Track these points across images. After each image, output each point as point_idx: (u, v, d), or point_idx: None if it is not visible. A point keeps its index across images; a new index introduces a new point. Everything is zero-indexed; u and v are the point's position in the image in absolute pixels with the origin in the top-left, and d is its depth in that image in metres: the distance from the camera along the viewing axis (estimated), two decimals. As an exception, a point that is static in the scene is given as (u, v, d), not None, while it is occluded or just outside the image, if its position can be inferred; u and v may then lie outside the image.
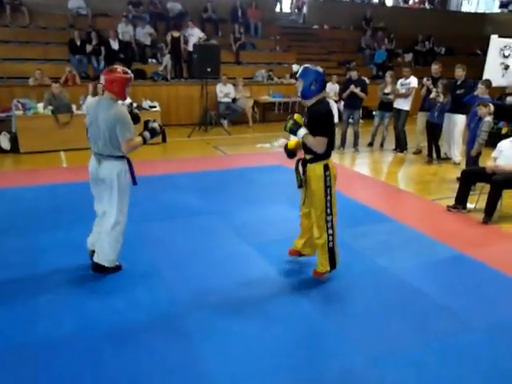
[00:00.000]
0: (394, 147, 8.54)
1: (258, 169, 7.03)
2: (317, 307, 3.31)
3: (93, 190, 3.62)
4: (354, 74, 8.37)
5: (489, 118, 5.79)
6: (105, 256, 3.57)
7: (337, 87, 10.50)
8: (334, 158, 7.97)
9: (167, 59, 10.88)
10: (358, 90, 8.19)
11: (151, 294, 3.41)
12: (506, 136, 6.21)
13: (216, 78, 10.06)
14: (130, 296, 3.38)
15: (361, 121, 10.45)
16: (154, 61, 11.16)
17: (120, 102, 3.44)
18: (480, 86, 6.61)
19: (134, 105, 8.27)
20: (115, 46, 10.49)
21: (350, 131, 8.55)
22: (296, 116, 3.52)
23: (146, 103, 8.80)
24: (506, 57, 8.37)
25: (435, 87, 7.32)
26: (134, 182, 3.58)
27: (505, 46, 8.32)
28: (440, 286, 3.69)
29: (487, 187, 5.15)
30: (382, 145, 8.79)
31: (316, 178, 3.46)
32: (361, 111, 8.86)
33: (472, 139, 6.00)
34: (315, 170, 3.46)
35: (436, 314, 3.26)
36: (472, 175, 5.36)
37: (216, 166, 7.15)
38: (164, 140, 8.66)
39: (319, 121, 3.37)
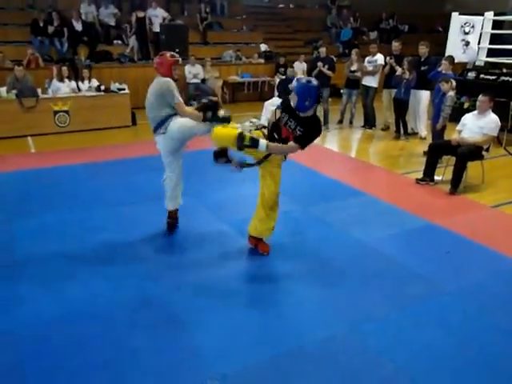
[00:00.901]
0: (362, 124, 8.72)
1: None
2: (296, 280, 3.42)
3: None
4: (322, 51, 8.46)
5: (451, 94, 6.00)
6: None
7: (305, 66, 10.56)
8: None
9: (133, 40, 10.61)
10: (325, 69, 8.28)
11: (130, 275, 3.43)
12: (469, 110, 6.44)
13: (184, 58, 9.89)
14: (111, 276, 3.39)
15: (330, 99, 10.58)
16: (119, 42, 10.88)
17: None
18: (444, 62, 6.80)
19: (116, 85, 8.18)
20: (78, 27, 10.14)
21: (319, 109, 8.65)
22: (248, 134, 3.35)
23: (114, 86, 8.60)
24: (466, 33, 8.60)
25: (398, 65, 7.49)
26: None
27: (465, 23, 8.55)
28: (412, 254, 3.88)
29: (453, 160, 5.37)
30: (351, 122, 8.95)
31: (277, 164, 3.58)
32: (329, 89, 8.96)
33: (437, 114, 6.22)
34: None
35: (410, 281, 3.44)
36: (438, 148, 5.57)
37: (189, 147, 7.10)
38: (134, 123, 8.53)
39: (313, 135, 3.41)
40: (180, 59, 3.83)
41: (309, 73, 8.96)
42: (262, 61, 12.21)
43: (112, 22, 10.88)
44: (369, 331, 2.87)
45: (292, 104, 3.32)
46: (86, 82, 8.51)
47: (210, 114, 3.66)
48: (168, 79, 3.69)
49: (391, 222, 4.46)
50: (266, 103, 8.77)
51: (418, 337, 2.82)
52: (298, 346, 2.72)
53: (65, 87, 8.13)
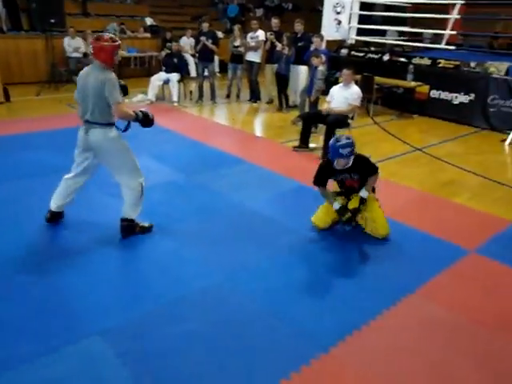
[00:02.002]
0: (249, 98, 9.11)
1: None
2: (179, 241, 3.66)
3: (77, 157, 3.63)
4: (205, 26, 8.60)
5: (321, 68, 6.58)
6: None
7: (192, 41, 10.58)
8: (194, 110, 8.33)
9: (0, 8, 9.73)
10: (209, 43, 8.45)
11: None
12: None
13: (62, 31, 9.39)
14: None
15: (218, 74, 10.79)
16: (-16, 10, 9.90)
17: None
18: (315, 39, 7.36)
19: None
20: None
21: (206, 84, 8.86)
22: (341, 201, 3.90)
23: (-20, 59, 7.92)
24: (338, 13, 9.35)
25: (277, 41, 7.93)
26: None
27: (337, 3, 9.28)
28: (285, 211, 4.33)
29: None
30: (238, 96, 9.28)
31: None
32: (216, 64, 9.17)
33: (310, 87, 6.78)
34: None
35: (281, 234, 3.87)
36: (311, 118, 6.12)
37: (73, 123, 6.86)
38: (8, 99, 7.96)
39: (370, 164, 3.81)
40: (119, 42, 3.42)
41: (196, 48, 9.05)
42: (148, 35, 11.98)
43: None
44: (242, 279, 3.21)
45: (338, 167, 3.74)
46: None
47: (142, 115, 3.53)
48: (112, 76, 3.30)
49: (269, 186, 4.89)
50: (153, 78, 8.76)
51: (286, 279, 3.23)
52: (180, 296, 2.98)
53: None
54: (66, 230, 3.76)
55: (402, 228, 4.00)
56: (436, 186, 5.10)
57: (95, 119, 3.39)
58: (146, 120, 3.56)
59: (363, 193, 3.79)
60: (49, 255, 3.38)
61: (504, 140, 7.01)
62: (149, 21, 12.55)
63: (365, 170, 3.80)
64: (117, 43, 3.36)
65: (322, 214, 3.93)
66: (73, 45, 9.80)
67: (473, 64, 8.05)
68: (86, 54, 9.97)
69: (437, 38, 12.46)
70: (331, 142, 3.71)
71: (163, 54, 9.52)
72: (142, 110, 3.59)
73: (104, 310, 2.80)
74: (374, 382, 2.38)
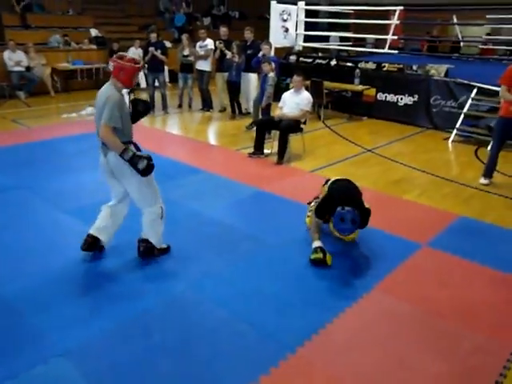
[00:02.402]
0: (201, 107, 9.10)
1: (66, 139, 6.78)
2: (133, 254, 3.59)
3: (110, 184, 3.46)
4: (153, 36, 8.54)
5: (272, 74, 6.69)
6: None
7: (140, 51, 10.45)
8: (145, 121, 8.22)
9: None
10: (158, 53, 8.39)
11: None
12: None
13: (1, 44, 9.01)
14: None
15: (168, 84, 10.72)
16: None
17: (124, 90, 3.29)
18: (265, 46, 7.47)
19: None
20: None
21: (158, 94, 8.77)
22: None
23: None
24: (285, 20, 9.54)
25: (227, 49, 7.99)
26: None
27: (283, 11, 9.46)
28: (244, 218, 4.36)
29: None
30: (189, 105, 9.25)
31: None
32: (166, 74, 9.11)
33: (262, 94, 6.87)
34: None
35: (242, 240, 3.88)
36: (264, 124, 6.21)
37: (19, 140, 6.62)
38: None
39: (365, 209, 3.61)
40: (141, 64, 3.33)
41: (144, 58, 8.94)
42: (94, 47, 11.72)
43: None
44: (207, 286, 3.20)
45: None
46: None
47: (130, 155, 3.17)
48: (116, 95, 3.14)
49: (226, 194, 4.90)
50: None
51: (249, 285, 3.26)
52: (143, 310, 2.92)
53: None
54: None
55: (359, 227, 4.12)
56: (388, 185, 5.30)
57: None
58: (133, 165, 3.18)
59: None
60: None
61: (447, 138, 7.39)
62: (94, 32, 12.28)
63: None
64: (138, 65, 3.23)
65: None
66: (14, 58, 9.41)
67: (415, 67, 8.45)
68: (28, 68, 9.63)
69: (379, 43, 12.99)
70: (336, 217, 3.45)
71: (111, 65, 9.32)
72: (144, 154, 3.27)
73: (64, 329, 2.71)
74: (341, 378, 2.43)
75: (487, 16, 13.03)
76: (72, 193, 4.75)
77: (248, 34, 8.17)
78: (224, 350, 2.60)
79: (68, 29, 11.90)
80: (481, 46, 13.41)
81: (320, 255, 3.49)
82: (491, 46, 13.12)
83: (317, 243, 3.58)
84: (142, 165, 3.19)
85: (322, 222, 3.72)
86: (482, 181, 5.37)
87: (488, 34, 13.72)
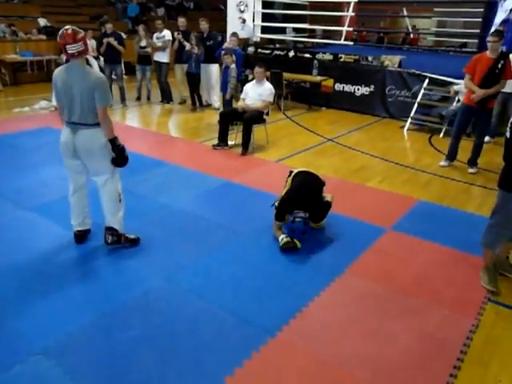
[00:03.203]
0: (160, 99, 8.97)
1: (21, 134, 6.51)
2: (111, 249, 3.55)
3: (68, 163, 3.38)
4: (108, 27, 8.32)
5: (234, 66, 6.71)
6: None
7: (93, 43, 10.13)
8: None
9: None
10: (116, 43, 8.19)
11: None
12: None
13: None
14: None
15: (125, 76, 10.47)
16: None
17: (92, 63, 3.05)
18: (232, 38, 7.43)
19: None
20: None
21: (115, 87, 8.55)
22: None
23: None
24: (242, 12, 9.55)
25: (185, 40, 7.91)
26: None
27: (240, 2, 9.46)
28: (213, 208, 4.39)
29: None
30: (148, 98, 9.10)
31: None
32: (123, 66, 8.90)
33: (224, 85, 6.87)
34: None
35: (213, 231, 3.92)
36: (228, 116, 6.22)
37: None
38: None
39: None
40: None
41: (98, 49, 8.68)
42: (44, 37, 11.23)
43: None
44: (182, 278, 3.22)
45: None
46: None
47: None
48: (104, 78, 3.21)
49: (193, 185, 4.89)
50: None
51: (224, 273, 3.30)
52: (121, 303, 2.91)
53: None
54: None
55: (326, 214, 4.25)
56: (349, 173, 5.48)
57: (85, 120, 3.20)
58: (120, 154, 3.39)
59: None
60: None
61: (403, 127, 7.70)
62: (42, 21, 11.77)
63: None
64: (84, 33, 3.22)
65: None
66: (-43, 50, 8.90)
67: (370, 58, 8.71)
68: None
69: (333, 35, 13.26)
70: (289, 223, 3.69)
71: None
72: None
73: (40, 327, 2.65)
74: (321, 357, 2.54)
75: (435, 9, 13.61)
76: (34, 190, 4.60)
77: (204, 25, 8.13)
78: (205, 339, 2.64)
79: (13, 17, 11.33)
80: (430, 38, 13.99)
81: (289, 240, 3.61)
82: (440, 38, 13.72)
83: (283, 235, 3.69)
84: (126, 155, 3.42)
85: (282, 223, 3.83)
86: (442, 163, 5.71)
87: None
